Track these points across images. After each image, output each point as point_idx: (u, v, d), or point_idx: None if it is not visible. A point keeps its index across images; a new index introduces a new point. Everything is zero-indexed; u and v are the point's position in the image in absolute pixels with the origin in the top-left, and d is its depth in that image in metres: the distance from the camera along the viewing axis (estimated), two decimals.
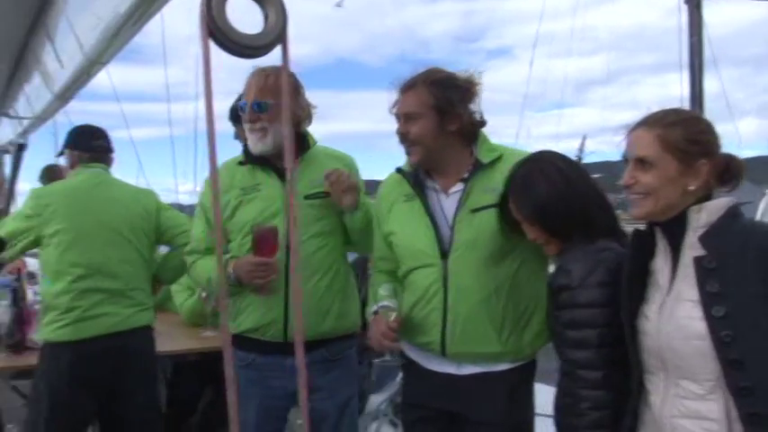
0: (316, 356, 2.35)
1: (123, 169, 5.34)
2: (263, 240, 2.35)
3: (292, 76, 2.49)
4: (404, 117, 2.16)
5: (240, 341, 2.46)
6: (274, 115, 2.39)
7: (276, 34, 1.11)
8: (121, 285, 3.03)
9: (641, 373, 1.69)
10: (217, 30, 1.06)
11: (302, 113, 2.52)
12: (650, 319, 1.64)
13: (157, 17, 2.53)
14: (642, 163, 1.62)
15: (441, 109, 2.11)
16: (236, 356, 2.40)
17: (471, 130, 2.18)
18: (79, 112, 5.59)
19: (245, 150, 2.58)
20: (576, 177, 1.89)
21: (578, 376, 1.75)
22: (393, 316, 2.10)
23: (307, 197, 2.45)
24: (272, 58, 1.13)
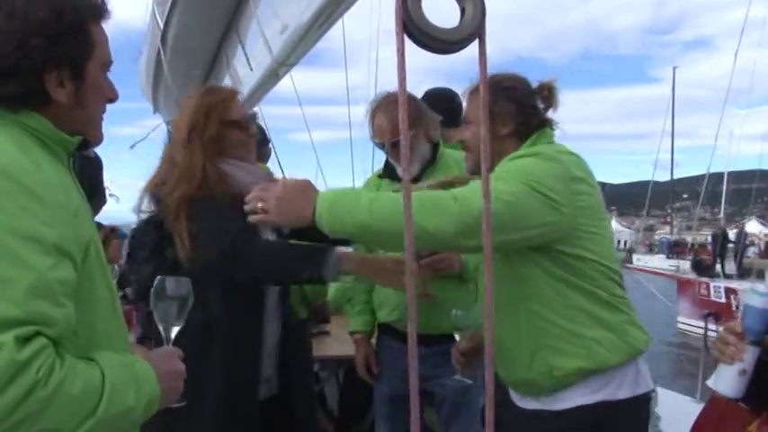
0: (440, 348, 2.44)
1: (303, 171, 5.66)
2: None
3: (415, 101, 2.66)
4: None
5: (383, 329, 2.85)
6: (414, 141, 2.57)
7: (474, 28, 1.09)
8: None
9: None
10: (411, 23, 1.05)
11: (435, 132, 2.71)
12: None
13: (339, 22, 2.66)
14: None
15: (492, 112, 2.00)
16: (383, 342, 2.86)
17: (525, 132, 2.08)
18: (266, 116, 6.02)
19: (387, 164, 2.80)
20: None
21: None
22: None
23: None
24: (465, 54, 1.12)
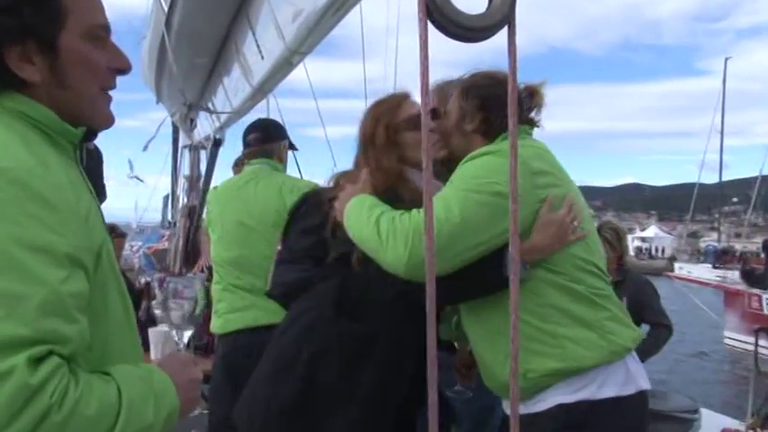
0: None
1: (318, 168, 5.68)
2: None
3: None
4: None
5: None
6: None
7: (504, 14, 1.08)
8: (261, 282, 3.30)
9: None
10: (435, 8, 1.05)
11: None
12: None
13: (356, 9, 2.67)
14: None
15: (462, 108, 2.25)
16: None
17: (490, 130, 2.21)
18: (275, 110, 6.04)
19: None
20: None
21: None
22: None
23: None
24: (491, 44, 1.11)
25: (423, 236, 1.83)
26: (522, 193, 1.94)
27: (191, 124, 6.48)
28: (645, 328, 4.61)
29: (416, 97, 2.37)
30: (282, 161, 3.86)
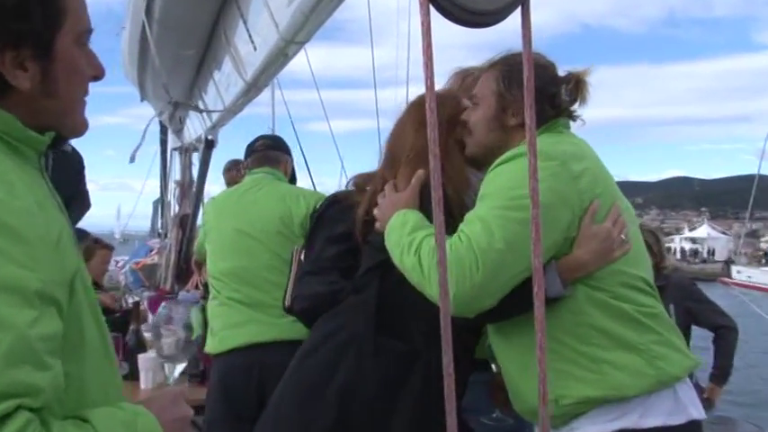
0: (481, 377, 2.44)
1: (324, 167, 5.71)
2: None
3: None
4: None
5: None
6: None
7: None
8: (262, 295, 3.42)
9: None
10: None
11: None
12: None
13: None
14: None
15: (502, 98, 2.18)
16: None
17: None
18: (280, 102, 6.05)
19: None
20: None
21: None
22: None
23: None
24: (513, 24, 1.11)
25: (469, 270, 1.82)
26: (563, 201, 1.94)
27: (179, 124, 6.50)
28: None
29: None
30: (287, 175, 3.95)
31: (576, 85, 2.16)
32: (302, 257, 2.46)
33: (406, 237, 2.00)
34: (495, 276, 1.86)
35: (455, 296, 1.80)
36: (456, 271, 1.83)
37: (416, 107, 2.33)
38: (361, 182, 2.40)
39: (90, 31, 1.26)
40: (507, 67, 2.18)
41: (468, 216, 1.96)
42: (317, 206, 2.58)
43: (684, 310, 4.57)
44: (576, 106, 2.20)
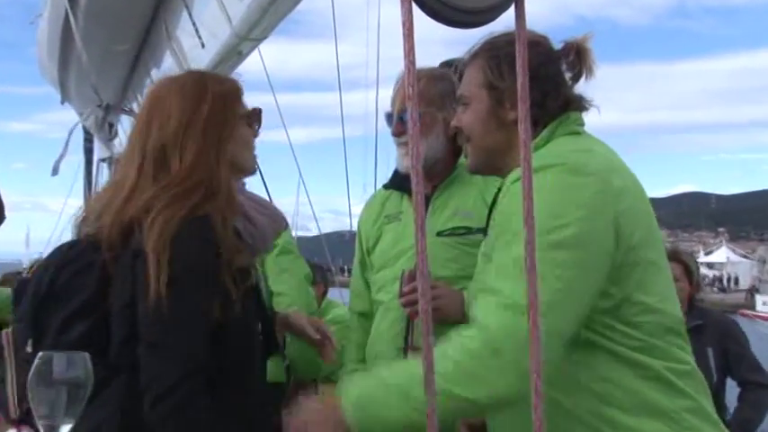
0: None
1: (280, 183, 5.70)
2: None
3: (443, 80, 2.82)
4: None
5: None
6: (424, 126, 2.77)
7: None
8: None
9: None
10: None
11: None
12: None
13: None
14: None
15: (494, 88, 2.09)
16: None
17: (542, 117, 2.05)
18: None
19: (395, 172, 3.08)
20: None
21: None
22: None
23: (439, 233, 2.86)
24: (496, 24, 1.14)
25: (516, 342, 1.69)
26: (605, 227, 1.85)
27: (110, 131, 6.48)
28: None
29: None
30: None
31: (578, 56, 2.09)
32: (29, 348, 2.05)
33: (391, 387, 1.83)
34: (552, 333, 1.71)
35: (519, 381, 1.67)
36: (514, 354, 1.71)
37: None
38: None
39: None
40: (492, 53, 2.09)
41: (498, 261, 1.90)
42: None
43: (722, 354, 4.35)
44: (584, 80, 2.11)
